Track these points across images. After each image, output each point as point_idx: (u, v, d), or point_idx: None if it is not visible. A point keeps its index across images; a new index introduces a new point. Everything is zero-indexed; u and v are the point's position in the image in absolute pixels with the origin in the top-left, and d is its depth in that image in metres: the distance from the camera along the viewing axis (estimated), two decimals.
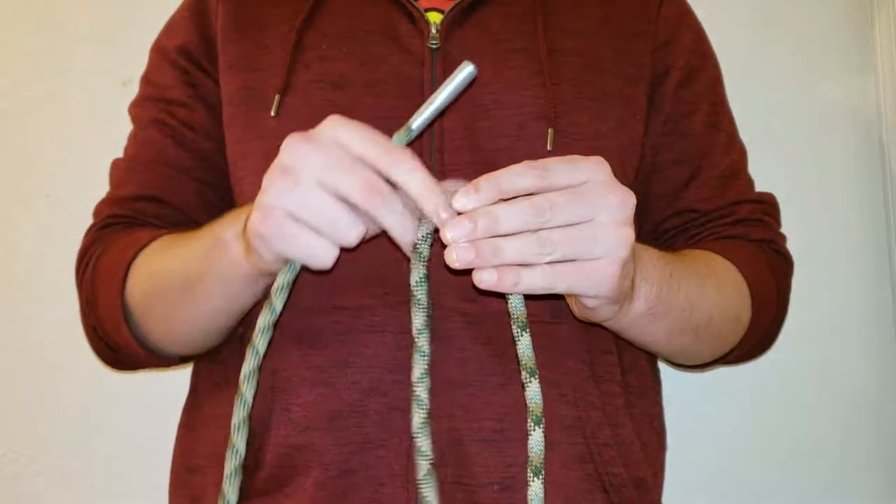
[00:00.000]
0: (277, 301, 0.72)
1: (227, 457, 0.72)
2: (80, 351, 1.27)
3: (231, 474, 0.72)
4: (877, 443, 1.33)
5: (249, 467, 0.83)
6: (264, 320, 0.72)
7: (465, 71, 0.70)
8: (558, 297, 0.78)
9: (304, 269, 0.72)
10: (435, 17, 0.91)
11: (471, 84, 0.71)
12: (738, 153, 1.02)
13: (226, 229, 0.78)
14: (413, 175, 0.67)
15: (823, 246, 1.35)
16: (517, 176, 0.66)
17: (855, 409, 1.33)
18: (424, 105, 0.71)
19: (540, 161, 0.67)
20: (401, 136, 0.71)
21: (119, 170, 0.98)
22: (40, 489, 1.31)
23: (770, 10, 1.40)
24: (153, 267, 0.87)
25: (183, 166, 0.95)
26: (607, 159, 0.89)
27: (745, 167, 1.03)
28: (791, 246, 1.01)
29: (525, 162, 0.67)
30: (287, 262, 0.71)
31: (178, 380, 1.00)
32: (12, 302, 1.33)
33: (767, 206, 1.01)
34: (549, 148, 0.86)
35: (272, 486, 0.83)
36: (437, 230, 0.67)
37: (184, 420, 0.95)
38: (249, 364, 0.72)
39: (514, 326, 0.68)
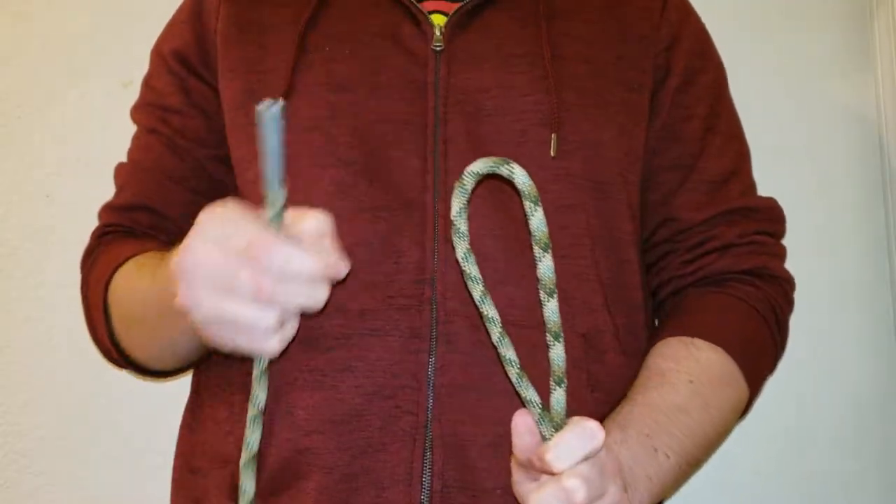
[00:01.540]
0: (259, 386, 0.71)
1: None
2: (80, 351, 1.27)
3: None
4: (877, 443, 1.33)
5: None
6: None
7: (268, 115, 0.64)
8: None
9: None
10: (439, 20, 0.90)
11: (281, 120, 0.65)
12: (734, 155, 0.99)
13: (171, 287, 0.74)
14: (291, 263, 0.65)
15: (823, 246, 1.35)
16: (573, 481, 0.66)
17: (855, 409, 1.34)
18: (266, 168, 0.66)
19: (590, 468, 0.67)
20: (272, 211, 0.67)
21: (122, 174, 1.00)
22: (40, 489, 1.31)
23: (770, 10, 1.40)
24: (122, 297, 0.88)
25: (177, 176, 0.96)
26: (608, 168, 0.90)
27: (744, 168, 1.00)
28: (791, 246, 1.00)
29: (582, 471, 0.66)
30: None
31: (180, 380, 1.00)
32: (12, 302, 1.33)
33: (763, 221, 0.97)
34: (552, 154, 0.86)
35: (274, 490, 0.83)
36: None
37: (185, 421, 0.95)
38: (253, 409, 0.72)
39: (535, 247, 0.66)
